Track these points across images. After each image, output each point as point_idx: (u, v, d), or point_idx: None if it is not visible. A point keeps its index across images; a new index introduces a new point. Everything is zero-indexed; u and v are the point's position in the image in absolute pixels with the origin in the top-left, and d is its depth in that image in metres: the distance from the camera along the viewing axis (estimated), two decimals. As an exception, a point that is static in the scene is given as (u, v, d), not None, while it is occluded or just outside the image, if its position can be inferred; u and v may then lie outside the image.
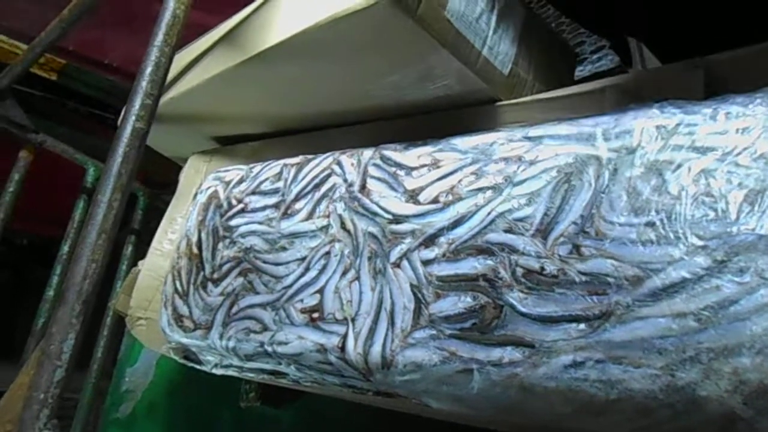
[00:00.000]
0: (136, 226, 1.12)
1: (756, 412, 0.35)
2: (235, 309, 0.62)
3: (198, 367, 0.68)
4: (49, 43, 0.84)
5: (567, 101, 0.55)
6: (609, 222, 0.42)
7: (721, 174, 0.39)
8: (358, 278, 0.54)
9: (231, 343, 0.62)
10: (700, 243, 0.38)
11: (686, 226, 0.39)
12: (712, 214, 0.38)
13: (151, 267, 0.77)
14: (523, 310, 0.44)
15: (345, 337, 0.52)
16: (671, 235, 0.39)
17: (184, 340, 0.66)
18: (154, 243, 0.80)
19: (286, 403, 0.71)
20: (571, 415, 0.42)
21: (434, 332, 0.47)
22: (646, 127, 0.44)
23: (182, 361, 0.70)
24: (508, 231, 0.46)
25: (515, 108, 0.59)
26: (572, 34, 0.80)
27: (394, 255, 0.52)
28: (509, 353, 0.43)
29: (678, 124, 0.43)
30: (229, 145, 0.84)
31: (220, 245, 0.67)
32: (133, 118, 0.51)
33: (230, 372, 0.65)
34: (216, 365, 0.66)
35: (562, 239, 0.44)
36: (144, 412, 0.94)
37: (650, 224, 0.40)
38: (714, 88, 0.46)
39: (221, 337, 0.62)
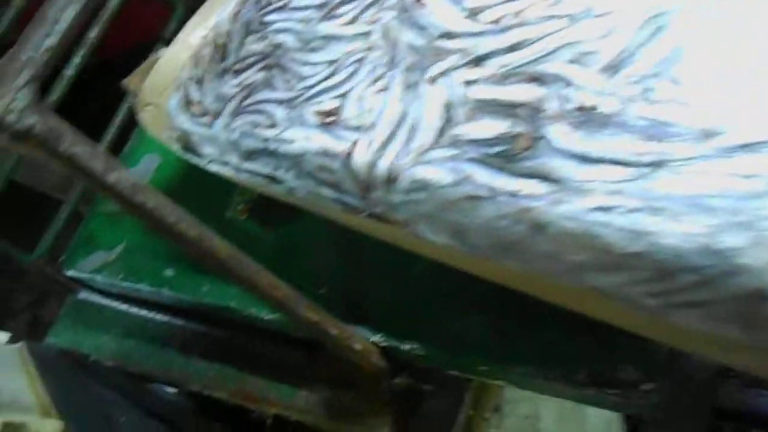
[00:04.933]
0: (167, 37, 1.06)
1: (796, 293, 0.30)
2: (248, 101, 0.58)
3: (195, 160, 0.65)
4: None
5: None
6: (690, 70, 0.36)
7: None
8: (387, 89, 0.48)
9: (235, 136, 0.58)
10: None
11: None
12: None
13: (172, 56, 0.73)
14: (561, 145, 0.38)
15: (355, 144, 0.48)
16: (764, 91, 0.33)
17: (189, 126, 0.62)
18: (181, 34, 0.75)
19: (273, 226, 0.68)
20: (580, 265, 0.37)
21: (454, 153, 0.43)
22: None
23: (180, 152, 0.67)
24: (573, 62, 0.40)
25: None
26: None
27: (433, 71, 0.46)
28: (530, 185, 0.39)
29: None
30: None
31: (250, 38, 0.61)
32: None
33: (225, 171, 0.61)
34: (213, 161, 0.62)
35: (631, 79, 0.38)
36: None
37: (743, 75, 0.34)
38: None
39: (227, 127, 0.58)
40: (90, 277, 0.92)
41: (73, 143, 0.33)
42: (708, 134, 0.34)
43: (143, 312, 0.91)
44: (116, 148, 1.06)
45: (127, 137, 1.07)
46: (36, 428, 0.45)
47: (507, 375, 0.48)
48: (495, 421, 0.59)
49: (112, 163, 0.35)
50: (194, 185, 0.81)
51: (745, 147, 0.33)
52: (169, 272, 0.81)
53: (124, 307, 0.94)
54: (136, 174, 1.01)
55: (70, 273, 0.95)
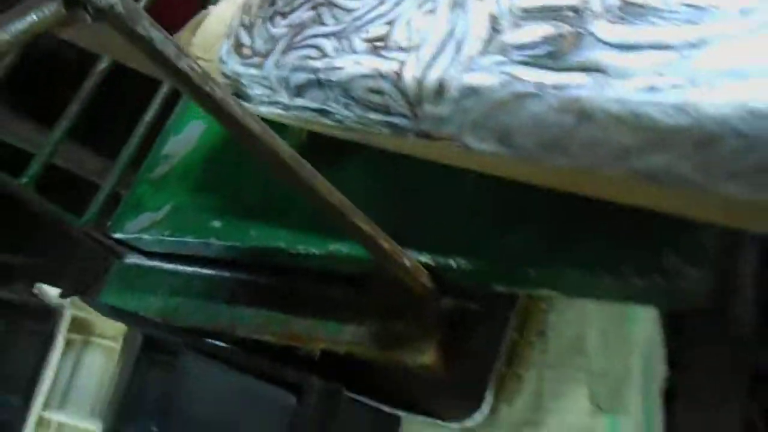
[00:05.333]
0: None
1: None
2: (298, 38, 0.61)
3: (244, 105, 0.68)
4: None
5: None
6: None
7: None
8: (433, 10, 0.51)
9: (285, 72, 0.61)
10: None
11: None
12: None
13: (221, 12, 0.77)
14: (606, 37, 0.41)
15: (404, 63, 0.51)
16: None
17: (239, 68, 0.66)
18: (229, -7, 0.79)
19: (321, 170, 0.71)
20: (626, 148, 0.39)
21: (502, 59, 0.45)
22: None
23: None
24: (613, -36, 0.43)
25: None
26: None
27: (479, -12, 0.49)
28: (577, 77, 0.41)
29: None
30: None
31: (298, -17, 0.65)
32: None
33: (275, 111, 0.65)
34: (263, 102, 0.66)
35: (672, -28, 0.40)
36: (177, 174, 0.97)
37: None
38: None
39: (276, 65, 0.62)
40: (137, 237, 0.96)
41: (150, 26, 0.36)
42: (745, 12, 0.36)
43: (189, 269, 0.95)
44: (162, 121, 1.11)
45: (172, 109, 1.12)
46: (102, 326, 0.49)
47: (556, 281, 0.50)
48: (540, 345, 0.61)
49: (184, 50, 0.38)
50: (236, 148, 0.85)
51: (782, 18, 0.35)
52: (216, 223, 0.84)
53: (170, 266, 0.98)
54: (181, 141, 1.07)
55: (118, 235, 0.99)
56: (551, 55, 0.43)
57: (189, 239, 0.87)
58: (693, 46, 0.37)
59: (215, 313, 0.89)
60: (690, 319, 0.61)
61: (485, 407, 0.59)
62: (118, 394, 0.47)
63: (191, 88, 0.40)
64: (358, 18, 0.57)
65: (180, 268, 0.96)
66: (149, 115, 1.06)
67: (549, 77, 0.42)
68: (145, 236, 0.95)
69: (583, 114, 0.40)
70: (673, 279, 0.43)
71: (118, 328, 0.50)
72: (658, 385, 0.61)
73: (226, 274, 0.88)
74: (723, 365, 0.67)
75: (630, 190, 0.43)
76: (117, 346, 0.50)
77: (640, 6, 0.40)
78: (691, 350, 0.66)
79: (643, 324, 0.59)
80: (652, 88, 0.38)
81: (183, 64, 0.38)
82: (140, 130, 1.07)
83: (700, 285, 0.43)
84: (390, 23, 0.54)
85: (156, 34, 0.37)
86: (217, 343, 0.71)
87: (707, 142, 0.36)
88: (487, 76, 0.45)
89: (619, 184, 0.43)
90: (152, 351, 0.55)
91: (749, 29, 0.36)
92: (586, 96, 0.40)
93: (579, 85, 0.41)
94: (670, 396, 0.63)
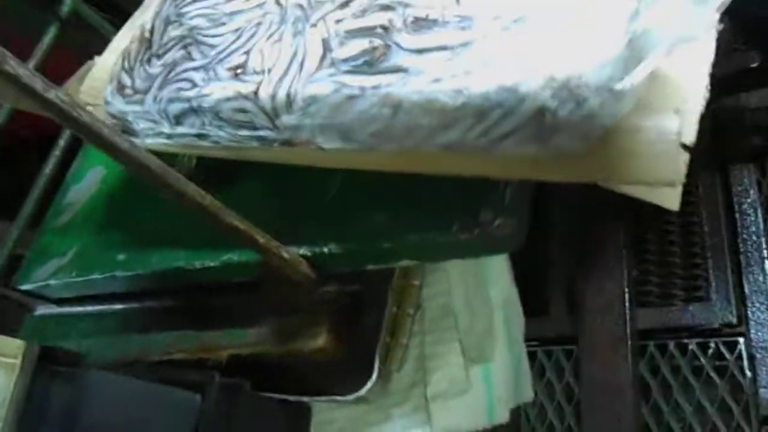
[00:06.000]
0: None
1: (559, 102, 0.44)
2: (171, 74, 0.69)
3: (133, 140, 0.75)
4: None
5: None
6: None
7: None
8: (280, 40, 0.61)
9: (163, 105, 0.69)
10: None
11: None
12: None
13: (106, 61, 0.84)
14: (406, 45, 0.52)
15: (260, 83, 0.60)
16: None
17: (123, 107, 0.73)
18: (113, 43, 0.86)
19: (210, 192, 0.78)
20: (429, 129, 0.50)
21: (333, 71, 0.55)
22: None
23: (120, 136, 0.77)
24: (408, -9, 0.54)
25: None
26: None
27: (314, 18, 0.60)
28: (387, 78, 0.52)
29: None
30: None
31: (169, 28, 0.73)
32: None
33: (160, 141, 0.72)
34: (148, 135, 0.73)
35: (447, -7, 0.52)
36: (80, 219, 1.00)
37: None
38: None
39: (155, 99, 0.69)
40: (45, 285, 0.98)
41: (17, 65, 0.43)
42: (494, 17, 0.48)
43: (99, 308, 0.97)
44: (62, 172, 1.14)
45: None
46: (0, 344, 0.51)
47: (408, 250, 0.59)
48: (418, 316, 0.69)
49: (50, 83, 0.45)
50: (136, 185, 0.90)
51: (517, 20, 0.47)
52: (120, 257, 0.88)
53: (80, 309, 1.00)
54: (82, 188, 1.10)
55: (25, 287, 1.00)
56: (368, 63, 0.54)
57: (95, 276, 0.90)
58: (463, 45, 0.49)
59: (128, 345, 0.92)
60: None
61: (375, 376, 0.66)
62: (18, 409, 0.49)
63: (60, 114, 0.46)
64: (221, 51, 0.66)
65: (90, 309, 0.98)
66: (48, 169, 1.10)
67: (368, 80, 0.53)
68: (53, 282, 0.97)
69: (396, 106, 0.51)
70: (487, 230, 0.53)
71: (19, 344, 0.53)
72: (521, 332, 0.71)
73: (135, 305, 0.92)
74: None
75: (447, 161, 0.54)
76: (18, 362, 0.52)
77: (426, 19, 0.52)
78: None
79: (500, 285, 0.70)
80: (437, 79, 0.49)
81: (51, 95, 0.45)
82: (39, 185, 1.10)
83: (510, 232, 0.53)
84: (247, 53, 0.63)
85: (23, 71, 0.43)
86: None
87: (480, 114, 0.47)
88: (323, 85, 0.55)
89: (439, 158, 0.54)
90: (52, 363, 0.58)
91: (499, 30, 0.48)
92: (395, 92, 0.51)
93: (389, 84, 0.51)
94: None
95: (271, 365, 0.74)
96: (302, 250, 0.65)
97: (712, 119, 1.23)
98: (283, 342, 0.72)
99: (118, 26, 0.97)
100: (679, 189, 0.51)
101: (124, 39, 0.86)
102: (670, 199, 0.51)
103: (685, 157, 0.51)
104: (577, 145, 0.45)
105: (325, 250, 0.64)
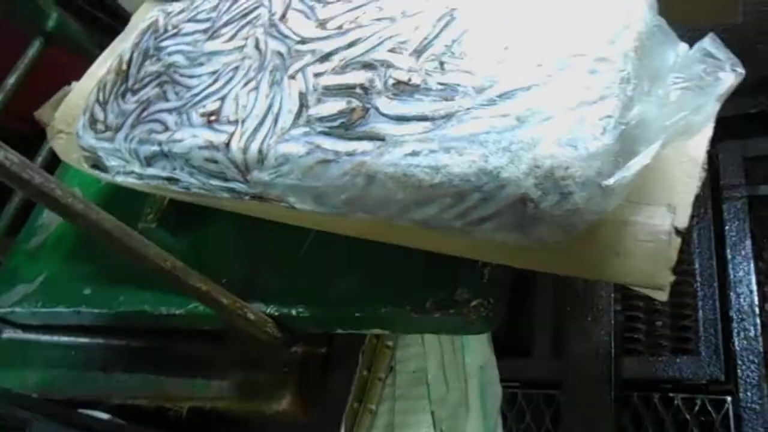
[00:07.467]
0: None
1: (542, 193, 0.40)
2: (145, 113, 0.65)
3: (103, 176, 0.71)
4: None
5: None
6: (469, 48, 0.47)
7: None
8: (257, 88, 0.58)
9: (134, 145, 0.65)
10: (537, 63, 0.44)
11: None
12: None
13: (82, 88, 0.80)
14: (385, 111, 0.48)
15: (232, 135, 0.57)
16: (518, 57, 0.45)
17: (94, 143, 0.69)
18: (91, 69, 0.83)
19: (182, 232, 0.75)
20: (403, 204, 0.47)
21: (308, 130, 0.52)
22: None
23: (90, 170, 0.73)
24: (392, 51, 0.51)
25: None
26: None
27: (293, 69, 0.56)
28: (363, 145, 0.48)
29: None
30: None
31: (147, 62, 0.70)
32: None
33: (130, 180, 0.68)
34: (118, 172, 0.69)
35: (431, 57, 0.49)
36: (51, 244, 0.96)
37: (505, 48, 0.46)
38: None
39: (126, 138, 0.66)
40: (10, 311, 0.94)
41: None
42: (479, 90, 0.45)
43: (65, 339, 0.93)
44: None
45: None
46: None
47: (379, 320, 0.56)
48: (389, 380, 0.66)
49: (2, 145, 0.42)
50: (110, 205, 0.86)
51: (503, 95, 0.44)
52: (86, 291, 0.85)
53: (46, 338, 0.96)
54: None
55: (-8, 310, 0.96)
56: (344, 126, 0.50)
57: (61, 309, 0.87)
58: (444, 117, 0.45)
59: (92, 383, 0.88)
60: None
61: (340, 445, 0.63)
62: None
63: (9, 177, 0.43)
64: (197, 94, 0.62)
65: (56, 339, 0.94)
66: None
67: (342, 145, 0.49)
68: (18, 309, 0.93)
69: (369, 176, 0.47)
70: (462, 310, 0.50)
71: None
72: (497, 404, 0.67)
73: (101, 341, 0.88)
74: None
75: (423, 236, 0.51)
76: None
77: (408, 84, 0.48)
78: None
79: (477, 352, 0.66)
80: (414, 153, 0.45)
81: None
82: (14, 200, 1.06)
83: (487, 314, 0.50)
84: (222, 99, 0.60)
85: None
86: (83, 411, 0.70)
87: (458, 195, 0.44)
88: (296, 145, 0.52)
89: (414, 233, 0.50)
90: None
91: (481, 103, 0.44)
92: (370, 161, 0.47)
93: (364, 152, 0.48)
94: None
95: (233, 425, 0.70)
96: (269, 309, 0.62)
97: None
98: (246, 399, 0.68)
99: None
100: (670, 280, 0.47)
101: (102, 65, 0.82)
102: (659, 292, 0.47)
103: (677, 243, 0.47)
104: (559, 237, 0.42)
105: (293, 312, 0.60)
